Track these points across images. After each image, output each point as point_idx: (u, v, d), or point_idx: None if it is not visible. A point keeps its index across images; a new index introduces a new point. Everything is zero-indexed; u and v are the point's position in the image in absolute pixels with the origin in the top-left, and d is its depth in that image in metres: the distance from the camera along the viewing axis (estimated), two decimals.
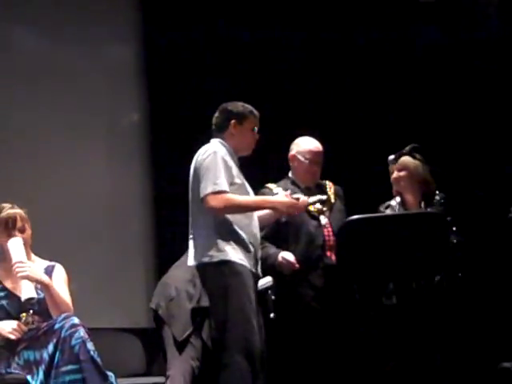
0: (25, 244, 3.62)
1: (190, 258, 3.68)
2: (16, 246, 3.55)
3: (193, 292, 4.07)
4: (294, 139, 4.20)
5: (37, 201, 4.64)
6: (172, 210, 4.81)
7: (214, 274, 3.61)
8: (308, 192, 4.10)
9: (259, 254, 3.71)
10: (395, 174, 4.09)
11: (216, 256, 3.57)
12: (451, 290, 3.80)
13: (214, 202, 3.53)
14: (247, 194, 3.71)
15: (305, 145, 4.12)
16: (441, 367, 3.72)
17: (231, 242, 3.58)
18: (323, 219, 4.08)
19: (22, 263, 3.49)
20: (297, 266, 3.91)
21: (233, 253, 3.57)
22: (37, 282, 3.50)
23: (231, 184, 3.60)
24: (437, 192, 4.04)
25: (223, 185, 3.56)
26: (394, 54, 5.37)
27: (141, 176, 5.30)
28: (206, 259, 3.59)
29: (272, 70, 5.35)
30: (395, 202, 4.08)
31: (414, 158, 3.94)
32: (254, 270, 3.63)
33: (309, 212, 4.03)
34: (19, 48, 5.07)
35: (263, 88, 5.14)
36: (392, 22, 5.31)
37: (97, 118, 5.21)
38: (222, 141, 3.74)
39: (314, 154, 4.08)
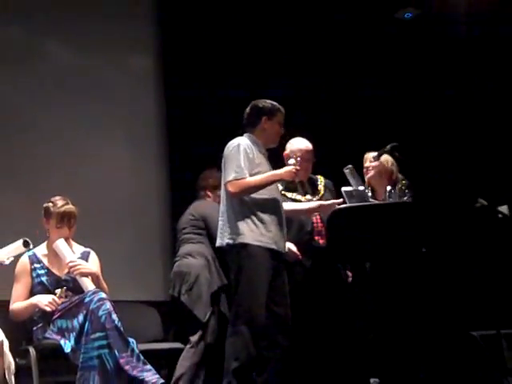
0: (68, 239, 3.80)
1: (218, 239, 3.82)
2: (63, 246, 3.71)
3: (209, 277, 4.29)
4: (289, 139, 4.27)
5: (69, 189, 4.78)
6: (186, 196, 4.86)
7: (233, 255, 3.73)
8: (301, 185, 4.23)
9: (283, 231, 3.75)
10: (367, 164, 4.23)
11: (235, 238, 3.68)
12: (422, 266, 3.90)
13: (232, 187, 3.67)
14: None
15: (296, 144, 4.20)
16: (414, 336, 3.84)
17: (250, 224, 3.67)
18: None
19: (74, 263, 3.66)
20: (300, 257, 4.01)
21: (250, 235, 3.66)
22: (89, 274, 3.68)
23: (253, 173, 3.72)
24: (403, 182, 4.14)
25: (243, 172, 3.67)
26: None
27: (159, 167, 5.39)
28: (230, 241, 3.71)
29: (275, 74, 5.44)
30: None
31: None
32: (275, 247, 3.68)
33: (300, 202, 4.15)
34: (51, 56, 5.17)
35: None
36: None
37: (119, 117, 5.29)
38: (250, 135, 3.85)
39: (305, 152, 4.15)
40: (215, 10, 5.44)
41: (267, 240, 3.68)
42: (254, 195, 3.73)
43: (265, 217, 3.71)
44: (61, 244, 3.72)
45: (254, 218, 3.70)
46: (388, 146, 3.85)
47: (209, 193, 4.56)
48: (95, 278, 3.73)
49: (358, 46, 5.43)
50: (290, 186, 4.17)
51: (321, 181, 4.32)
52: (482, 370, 4.02)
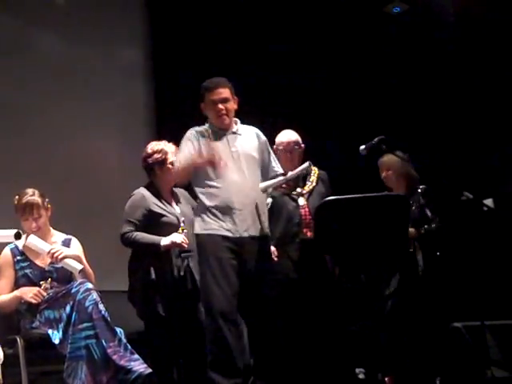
0: (40, 229, 3.71)
1: None
2: (36, 240, 3.63)
3: None
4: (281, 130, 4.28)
5: (56, 179, 4.75)
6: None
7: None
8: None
9: (242, 215, 3.54)
10: (384, 174, 4.27)
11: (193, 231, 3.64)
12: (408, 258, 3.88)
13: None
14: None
15: (280, 137, 4.22)
16: (399, 327, 3.82)
17: (201, 215, 3.58)
18: (301, 201, 4.15)
19: (56, 249, 3.59)
20: (276, 259, 3.93)
21: (200, 225, 3.57)
22: (72, 257, 3.60)
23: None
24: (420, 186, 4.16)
25: (177, 161, 3.61)
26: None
27: None
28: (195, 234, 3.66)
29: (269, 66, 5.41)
30: None
31: (396, 155, 4.00)
32: (229, 235, 3.52)
33: (289, 195, 4.12)
34: (41, 47, 5.15)
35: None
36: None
37: (108, 107, 5.26)
38: (208, 121, 3.73)
39: (287, 144, 4.16)
40: (205, 2, 5.39)
41: (217, 227, 3.54)
42: (202, 184, 3.60)
43: (217, 205, 3.55)
44: (33, 240, 3.64)
45: (205, 209, 3.59)
46: (375, 139, 3.84)
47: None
48: (79, 261, 3.66)
49: (346, 39, 5.41)
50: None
51: (314, 172, 4.28)
52: (465, 361, 4.00)
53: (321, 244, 3.85)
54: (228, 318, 3.46)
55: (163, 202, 3.87)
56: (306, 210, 4.13)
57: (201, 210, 3.62)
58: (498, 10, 5.10)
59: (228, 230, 3.55)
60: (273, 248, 3.95)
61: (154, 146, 4.01)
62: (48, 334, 3.45)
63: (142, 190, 3.91)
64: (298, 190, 4.18)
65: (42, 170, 4.84)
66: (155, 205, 3.83)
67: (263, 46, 5.50)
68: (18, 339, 3.49)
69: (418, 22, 5.28)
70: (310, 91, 5.40)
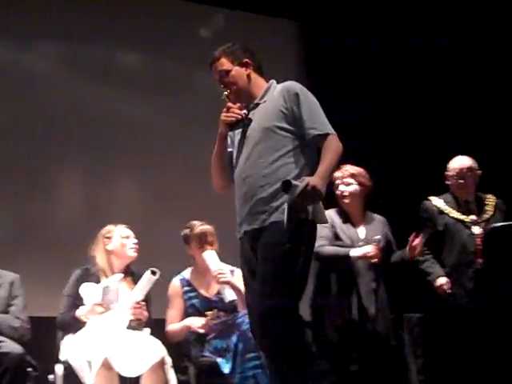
0: None
1: None
2: (212, 256, 3.73)
3: None
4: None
5: (211, 212, 4.83)
6: None
7: None
8: (466, 204, 4.01)
9: (244, 208, 2.82)
10: None
11: None
12: None
13: None
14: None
15: (453, 164, 4.06)
16: None
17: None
18: (476, 229, 3.92)
19: (223, 271, 3.67)
20: (449, 291, 3.82)
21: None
22: (233, 286, 3.66)
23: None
24: None
25: None
26: None
27: None
28: None
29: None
30: None
31: None
32: (240, 235, 2.87)
33: (463, 222, 3.95)
34: (198, 86, 5.34)
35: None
36: None
37: None
38: None
39: (460, 170, 4.00)
40: (364, 56, 5.43)
41: (238, 227, 2.88)
42: None
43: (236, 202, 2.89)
44: (211, 254, 3.73)
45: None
46: None
47: None
48: (237, 292, 3.65)
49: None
50: (452, 205, 4.00)
51: (490, 200, 4.07)
52: None
53: (490, 272, 3.68)
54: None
55: (348, 224, 3.90)
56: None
57: None
58: None
59: (239, 229, 2.91)
60: (445, 279, 3.83)
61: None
62: (217, 363, 3.52)
63: (332, 213, 3.94)
64: (473, 217, 3.98)
65: (196, 204, 4.91)
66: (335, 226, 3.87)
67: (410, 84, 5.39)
68: (190, 366, 3.59)
69: None
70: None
